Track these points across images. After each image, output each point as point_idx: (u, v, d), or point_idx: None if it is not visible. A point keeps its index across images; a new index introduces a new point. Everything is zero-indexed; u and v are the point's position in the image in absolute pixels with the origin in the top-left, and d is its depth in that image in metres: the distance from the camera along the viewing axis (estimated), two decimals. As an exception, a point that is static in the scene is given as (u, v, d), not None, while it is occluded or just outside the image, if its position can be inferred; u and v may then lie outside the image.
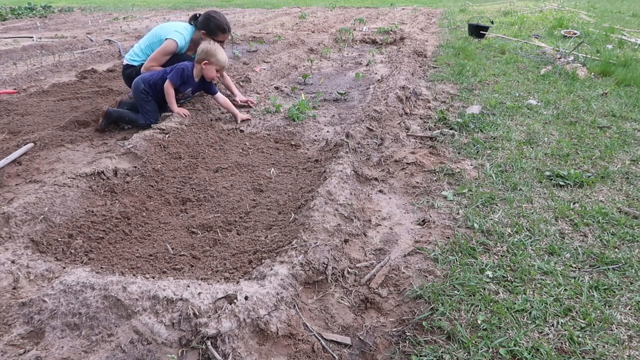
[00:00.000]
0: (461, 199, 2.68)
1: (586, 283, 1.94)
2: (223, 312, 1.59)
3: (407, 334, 1.69)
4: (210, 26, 3.89)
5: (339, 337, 1.69)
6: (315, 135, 3.77)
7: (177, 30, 3.95)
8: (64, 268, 1.95)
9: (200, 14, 4.07)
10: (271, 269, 1.85)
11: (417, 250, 2.21)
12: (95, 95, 4.67)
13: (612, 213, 2.49)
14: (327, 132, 3.85)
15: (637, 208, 2.56)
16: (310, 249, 1.96)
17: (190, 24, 4.10)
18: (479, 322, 1.72)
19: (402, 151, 3.35)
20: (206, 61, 3.66)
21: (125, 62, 4.15)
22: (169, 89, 3.65)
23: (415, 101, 4.57)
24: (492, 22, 9.39)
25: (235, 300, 1.63)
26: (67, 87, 5.03)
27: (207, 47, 3.67)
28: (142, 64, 4.02)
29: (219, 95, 3.97)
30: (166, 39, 3.92)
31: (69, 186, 2.52)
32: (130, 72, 4.06)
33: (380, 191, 2.82)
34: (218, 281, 1.88)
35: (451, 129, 3.78)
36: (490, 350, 1.60)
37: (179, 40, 3.91)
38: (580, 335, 1.66)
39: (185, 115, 3.70)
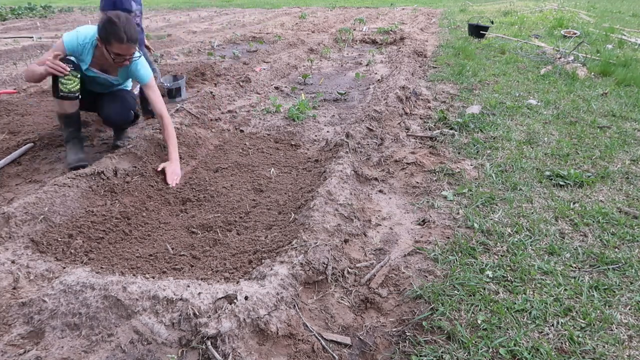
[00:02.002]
0: (461, 199, 2.68)
1: (586, 283, 1.94)
2: (223, 312, 1.59)
3: (407, 334, 1.69)
4: (104, 32, 2.73)
5: (339, 337, 1.69)
6: (315, 135, 3.77)
7: (77, 29, 2.91)
8: (64, 268, 1.95)
9: None
10: (271, 269, 1.85)
11: (417, 250, 2.21)
12: (95, 95, 4.67)
13: (612, 213, 2.49)
14: (327, 132, 3.85)
15: (637, 208, 2.56)
16: (310, 249, 1.96)
17: None
18: (479, 322, 1.72)
19: (402, 151, 3.35)
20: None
21: None
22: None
23: (415, 101, 4.57)
24: (492, 22, 9.38)
25: (235, 300, 1.63)
26: (67, 87, 5.02)
27: None
28: None
29: None
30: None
31: (69, 186, 2.52)
32: None
33: (380, 191, 2.82)
34: (218, 281, 1.88)
35: (451, 129, 3.78)
36: (490, 350, 1.60)
37: (67, 39, 2.83)
38: (580, 335, 1.66)
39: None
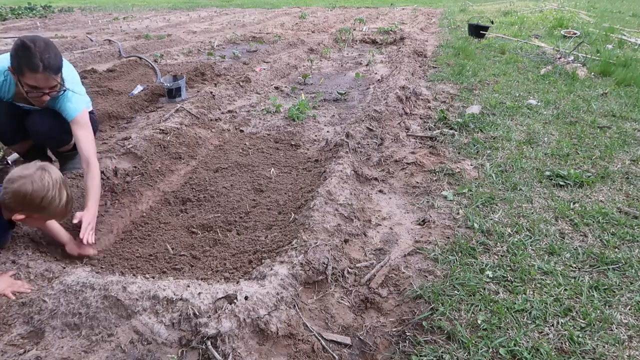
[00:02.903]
0: (461, 199, 2.68)
1: (586, 283, 1.94)
2: (223, 312, 1.59)
3: (407, 334, 1.69)
4: (16, 60, 2.19)
5: (339, 337, 1.69)
6: (315, 135, 3.77)
7: None
8: (64, 268, 1.95)
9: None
10: (271, 269, 1.85)
11: (417, 250, 2.21)
12: (96, 95, 4.67)
13: (612, 213, 2.49)
14: (327, 132, 3.85)
15: (637, 208, 2.56)
16: (310, 249, 1.96)
17: None
18: (479, 322, 1.72)
19: (402, 151, 3.35)
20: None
21: None
22: None
23: (415, 101, 4.57)
24: (492, 22, 9.38)
25: (235, 300, 1.63)
26: (67, 87, 5.02)
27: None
28: None
29: None
30: None
31: (69, 186, 2.52)
32: None
33: (380, 191, 2.82)
34: (218, 281, 1.88)
35: (451, 129, 3.78)
36: (490, 350, 1.60)
37: None
38: (580, 335, 1.66)
39: None
